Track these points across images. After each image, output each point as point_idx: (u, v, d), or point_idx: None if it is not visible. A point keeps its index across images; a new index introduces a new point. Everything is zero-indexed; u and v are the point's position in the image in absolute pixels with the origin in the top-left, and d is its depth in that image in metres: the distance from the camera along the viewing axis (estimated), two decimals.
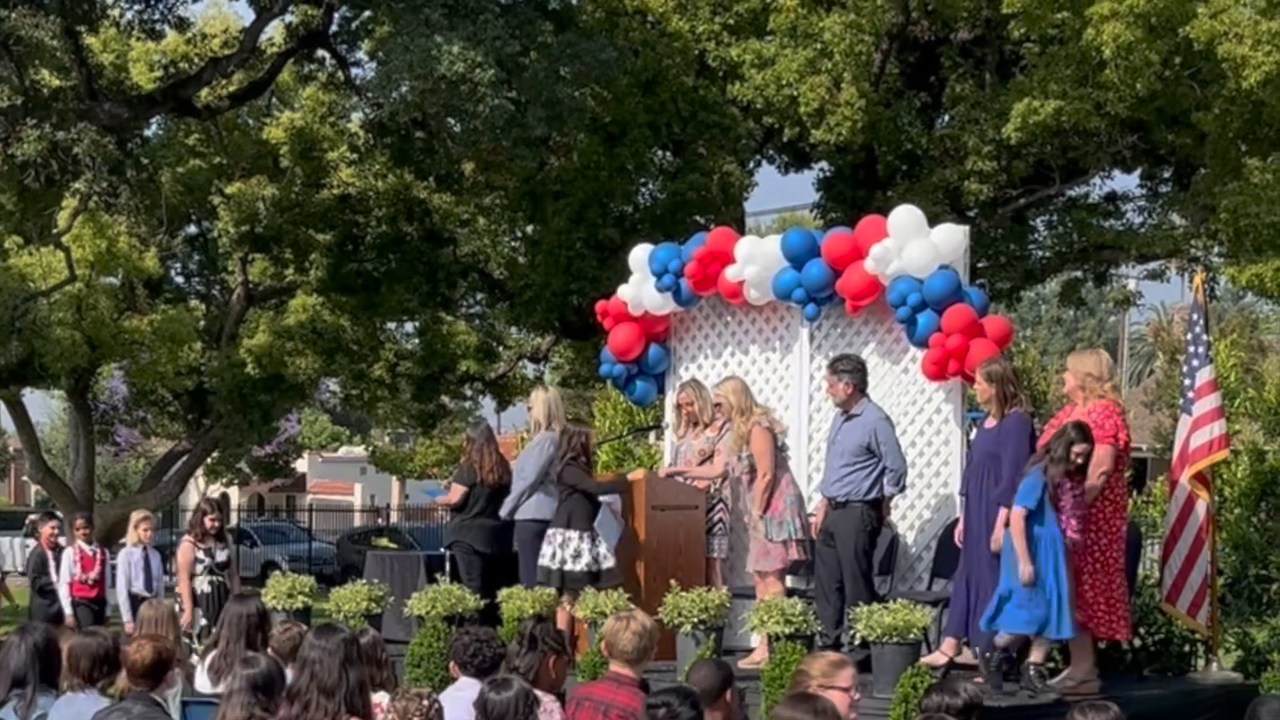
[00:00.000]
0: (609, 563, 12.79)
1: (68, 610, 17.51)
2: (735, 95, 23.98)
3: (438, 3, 20.74)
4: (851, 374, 12.37)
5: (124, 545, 18.31)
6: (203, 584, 15.97)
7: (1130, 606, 11.74)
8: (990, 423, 11.74)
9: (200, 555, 16.08)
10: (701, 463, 13.43)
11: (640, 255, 14.67)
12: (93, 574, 17.72)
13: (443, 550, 15.02)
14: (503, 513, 14.07)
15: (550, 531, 12.94)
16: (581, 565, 12.73)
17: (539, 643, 8.85)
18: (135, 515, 17.79)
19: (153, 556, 17.36)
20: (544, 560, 12.92)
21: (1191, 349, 12.87)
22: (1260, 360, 41.53)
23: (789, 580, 12.94)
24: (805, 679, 7.40)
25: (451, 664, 9.01)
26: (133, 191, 24.52)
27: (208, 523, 16.26)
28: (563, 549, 12.79)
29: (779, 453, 12.64)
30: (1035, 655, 11.03)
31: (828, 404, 13.36)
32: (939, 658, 11.53)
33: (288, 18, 25.14)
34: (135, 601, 16.51)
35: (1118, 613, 11.16)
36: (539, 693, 8.07)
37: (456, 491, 14.62)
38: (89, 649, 8.30)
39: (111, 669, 8.30)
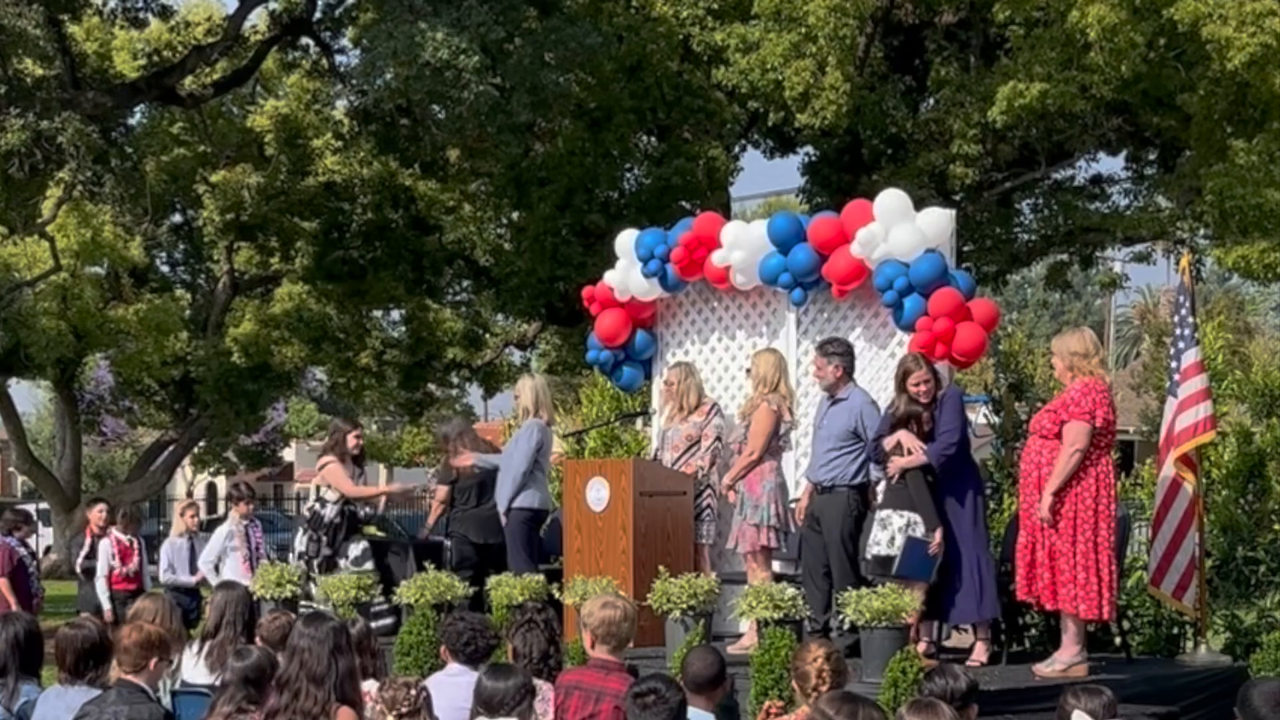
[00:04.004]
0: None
1: (106, 605, 17.13)
2: (720, 80, 23.96)
3: None
4: (841, 357, 12.36)
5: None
6: (332, 512, 14.59)
7: (1119, 589, 11.73)
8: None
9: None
10: (690, 447, 13.40)
11: (626, 241, 14.64)
12: (131, 565, 17.38)
13: (435, 539, 15.04)
14: (501, 509, 13.99)
15: (882, 514, 11.66)
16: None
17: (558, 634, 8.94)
18: (179, 505, 17.46)
19: (198, 544, 17.21)
20: (879, 548, 11.57)
21: (1178, 331, 12.86)
22: (1247, 342, 41.70)
23: (778, 565, 12.94)
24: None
25: (443, 649, 9.02)
26: (117, 180, 24.50)
27: (351, 441, 14.71)
28: (907, 532, 11.42)
29: (775, 440, 12.60)
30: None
31: (815, 389, 13.36)
32: (926, 647, 11.53)
33: (271, 5, 25.16)
34: (178, 592, 16.37)
35: (1108, 594, 11.12)
36: (535, 681, 8.09)
37: (441, 492, 14.86)
38: (74, 642, 8.25)
39: (99, 661, 8.25)
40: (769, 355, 12.92)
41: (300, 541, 14.66)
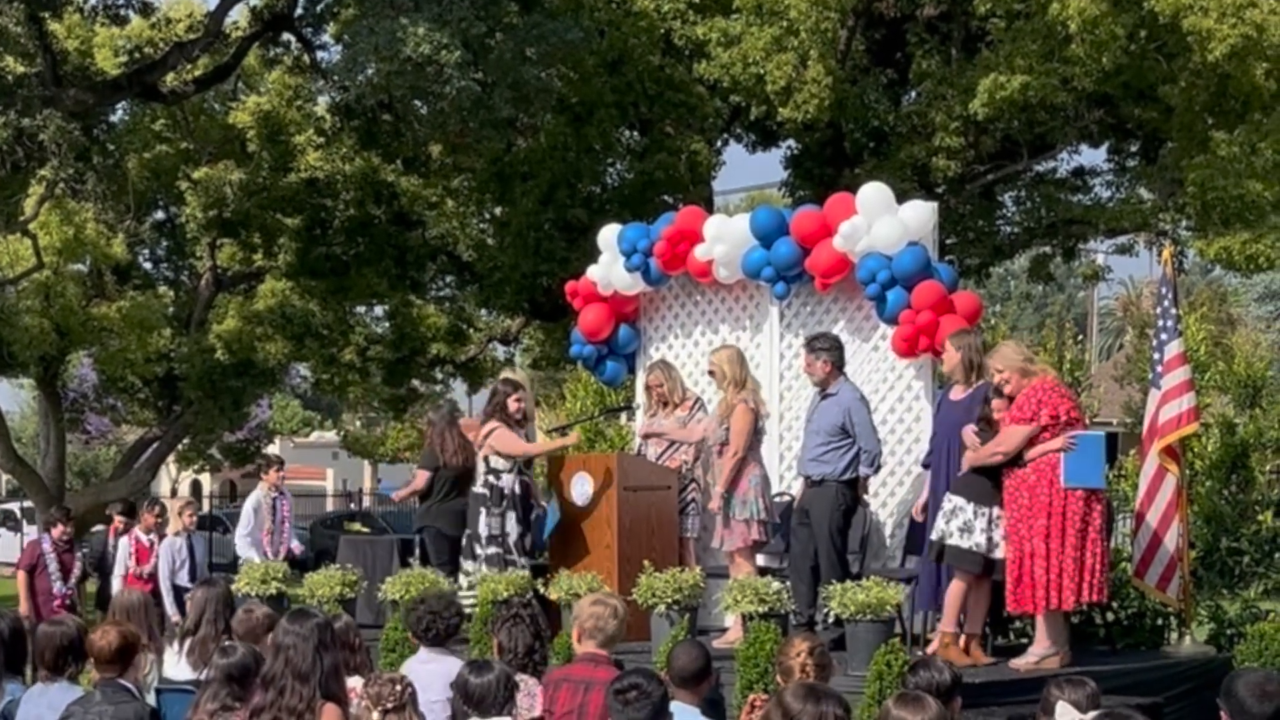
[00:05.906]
0: (999, 551, 11.19)
1: None
2: (702, 74, 23.95)
3: None
4: (829, 352, 12.34)
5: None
6: (510, 481, 13.56)
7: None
8: (957, 393, 11.76)
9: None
10: (674, 442, 13.41)
11: (609, 235, 14.66)
12: (147, 567, 17.28)
13: (414, 535, 15.03)
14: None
15: (955, 504, 11.34)
16: (969, 543, 11.19)
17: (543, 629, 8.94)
18: (177, 502, 17.40)
19: (197, 544, 17.13)
20: (937, 535, 11.36)
21: (1160, 323, 12.89)
22: (1230, 333, 41.76)
23: (762, 559, 12.94)
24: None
25: (409, 636, 9.07)
26: (99, 178, 24.42)
27: (512, 405, 13.69)
28: (949, 520, 11.28)
29: (755, 434, 12.58)
30: None
31: (799, 382, 13.38)
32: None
33: (252, 1, 25.05)
34: (181, 594, 16.24)
35: (1090, 578, 11.07)
36: (521, 676, 8.09)
37: (422, 477, 14.60)
38: (53, 640, 8.23)
39: (78, 658, 8.24)
40: (728, 352, 12.75)
41: (485, 525, 13.51)
